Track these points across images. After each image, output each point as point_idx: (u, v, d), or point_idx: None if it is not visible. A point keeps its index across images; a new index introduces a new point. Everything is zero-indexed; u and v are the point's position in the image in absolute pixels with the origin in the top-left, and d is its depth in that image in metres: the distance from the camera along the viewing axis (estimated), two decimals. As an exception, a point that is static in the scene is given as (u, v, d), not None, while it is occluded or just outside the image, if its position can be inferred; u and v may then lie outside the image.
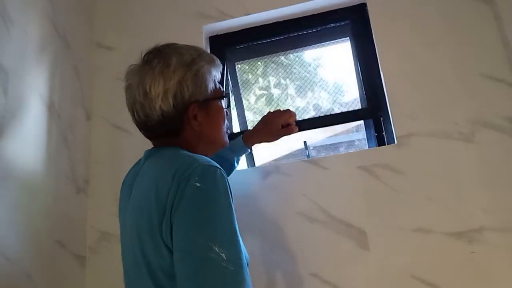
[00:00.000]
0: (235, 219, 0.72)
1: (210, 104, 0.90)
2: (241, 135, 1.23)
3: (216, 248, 0.66)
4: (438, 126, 1.30)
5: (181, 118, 0.86)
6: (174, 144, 0.87)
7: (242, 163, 1.52)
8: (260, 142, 1.25)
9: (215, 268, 0.66)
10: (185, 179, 0.73)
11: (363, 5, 1.50)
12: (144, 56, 0.91)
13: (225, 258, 0.66)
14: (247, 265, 0.82)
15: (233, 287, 0.66)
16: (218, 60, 0.96)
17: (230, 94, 1.65)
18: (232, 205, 0.73)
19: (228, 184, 0.75)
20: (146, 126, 0.88)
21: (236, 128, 1.62)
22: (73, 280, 1.36)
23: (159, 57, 0.88)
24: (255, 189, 1.38)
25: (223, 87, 0.97)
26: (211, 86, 0.90)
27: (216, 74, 0.94)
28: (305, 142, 1.57)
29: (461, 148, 1.27)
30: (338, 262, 1.25)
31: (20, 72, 1.24)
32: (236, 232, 0.71)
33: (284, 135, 1.24)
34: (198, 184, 0.72)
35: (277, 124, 1.22)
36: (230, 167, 1.24)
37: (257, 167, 1.51)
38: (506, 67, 1.30)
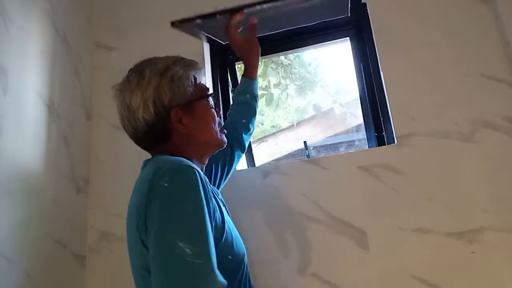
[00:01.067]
0: (206, 215, 0.73)
1: (194, 106, 0.92)
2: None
3: (181, 244, 0.69)
4: (438, 126, 1.30)
5: (165, 124, 0.89)
6: (165, 150, 0.90)
7: (242, 163, 1.52)
8: (248, 58, 1.25)
9: (180, 263, 0.68)
10: (156, 181, 0.76)
11: (363, 5, 1.50)
12: (125, 75, 0.96)
13: (190, 253, 0.68)
14: (243, 259, 0.86)
15: (199, 279, 0.67)
16: (199, 64, 0.98)
17: (231, 94, 1.65)
18: (203, 201, 0.74)
19: (201, 180, 0.76)
20: (137, 139, 0.93)
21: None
22: (73, 280, 1.36)
23: (135, 71, 0.93)
24: (255, 189, 1.38)
25: (210, 89, 0.98)
26: (190, 88, 0.93)
27: (197, 76, 0.96)
28: (305, 142, 1.57)
29: (461, 148, 1.27)
30: (338, 262, 1.25)
31: (20, 72, 1.24)
32: (205, 227, 0.72)
33: (253, 33, 1.24)
34: (166, 184, 0.75)
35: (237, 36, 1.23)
36: (250, 108, 1.23)
37: (257, 167, 1.51)
38: (506, 67, 1.30)
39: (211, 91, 1.00)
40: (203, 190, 0.76)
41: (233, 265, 0.84)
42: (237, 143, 1.19)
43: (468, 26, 1.37)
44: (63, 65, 1.46)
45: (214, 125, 0.96)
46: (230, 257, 0.83)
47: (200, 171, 0.79)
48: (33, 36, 1.32)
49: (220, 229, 0.81)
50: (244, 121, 1.21)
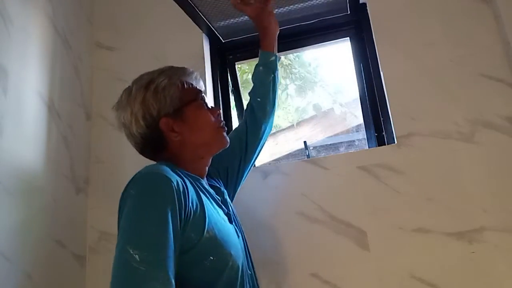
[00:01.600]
0: (165, 223, 0.74)
1: (184, 111, 0.93)
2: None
3: (131, 250, 0.71)
4: (438, 126, 1.30)
5: (158, 135, 0.91)
6: (164, 158, 0.93)
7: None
8: (263, 30, 1.21)
9: (125, 268, 0.71)
10: (127, 188, 0.80)
11: (363, 5, 1.50)
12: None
13: (138, 259, 0.70)
14: (232, 264, 0.84)
15: (136, 286, 0.69)
16: (188, 69, 0.99)
17: (231, 94, 1.65)
18: (164, 209, 0.75)
19: (168, 188, 0.77)
20: (140, 151, 0.97)
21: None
22: (73, 280, 1.36)
23: (125, 89, 0.97)
24: (255, 189, 1.37)
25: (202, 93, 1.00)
26: (177, 95, 0.93)
27: (184, 81, 0.96)
28: (305, 142, 1.57)
29: (461, 148, 1.27)
30: (338, 262, 1.25)
31: (20, 72, 1.24)
32: (161, 235, 0.73)
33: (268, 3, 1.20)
34: (132, 192, 0.78)
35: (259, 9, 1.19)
36: (264, 83, 1.18)
37: (257, 167, 1.51)
38: (506, 67, 1.30)
39: (202, 92, 0.99)
40: (168, 197, 0.76)
41: (216, 267, 0.83)
42: (251, 122, 1.17)
43: (468, 26, 1.37)
44: (63, 65, 1.46)
45: (209, 127, 0.95)
46: (212, 258, 0.82)
47: (172, 179, 0.78)
48: (33, 36, 1.32)
49: (199, 230, 0.80)
50: (259, 99, 1.17)
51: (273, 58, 1.19)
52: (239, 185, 1.15)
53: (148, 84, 0.93)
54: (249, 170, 1.17)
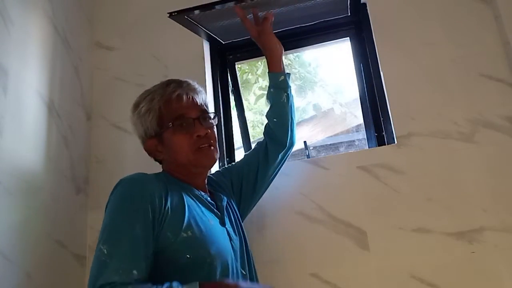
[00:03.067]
0: (135, 220, 0.84)
1: (162, 135, 1.00)
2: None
3: (101, 246, 0.81)
4: (438, 126, 1.30)
5: (150, 152, 1.03)
6: (163, 168, 1.05)
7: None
8: (267, 52, 1.22)
9: (97, 261, 0.80)
10: (110, 194, 0.92)
11: (363, 5, 1.50)
12: None
13: (105, 253, 0.80)
14: (210, 262, 0.88)
15: (98, 273, 0.78)
16: (169, 88, 1.01)
17: (231, 94, 1.65)
18: (134, 209, 0.85)
19: (139, 190, 0.88)
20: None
21: (235, 129, 1.62)
22: (73, 280, 1.36)
23: None
24: (255, 189, 1.37)
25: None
26: (154, 121, 1.00)
27: (164, 103, 0.99)
28: (305, 142, 1.57)
29: (461, 148, 1.27)
30: (338, 262, 1.25)
31: (20, 72, 1.24)
32: (126, 231, 0.83)
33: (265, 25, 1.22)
34: (111, 197, 0.91)
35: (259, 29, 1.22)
36: (276, 102, 1.20)
37: (257, 167, 1.51)
38: (506, 67, 1.30)
39: (184, 110, 1.01)
40: (140, 200, 0.86)
41: (192, 264, 0.87)
42: (271, 140, 1.19)
43: (468, 26, 1.37)
44: (63, 65, 1.46)
45: (186, 151, 0.98)
46: (188, 256, 0.86)
47: (147, 185, 0.89)
48: (33, 36, 1.32)
49: (176, 230, 0.87)
50: (275, 119, 1.19)
51: (282, 77, 1.20)
52: (257, 196, 1.21)
53: (135, 107, 1.03)
54: (268, 184, 1.23)
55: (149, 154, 1.04)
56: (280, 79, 1.19)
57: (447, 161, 1.27)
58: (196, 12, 1.22)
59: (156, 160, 1.06)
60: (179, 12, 1.22)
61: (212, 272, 0.88)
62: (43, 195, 1.27)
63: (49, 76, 1.37)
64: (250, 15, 1.24)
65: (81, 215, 1.45)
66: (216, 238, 0.93)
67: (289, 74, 1.23)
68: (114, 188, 0.91)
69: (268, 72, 1.22)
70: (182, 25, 1.32)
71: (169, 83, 1.03)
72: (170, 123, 0.98)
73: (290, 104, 1.20)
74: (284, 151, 1.20)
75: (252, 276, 1.03)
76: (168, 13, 1.22)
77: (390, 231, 1.24)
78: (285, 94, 1.19)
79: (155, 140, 1.00)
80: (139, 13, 1.69)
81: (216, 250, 0.90)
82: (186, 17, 1.25)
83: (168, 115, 0.99)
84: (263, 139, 1.21)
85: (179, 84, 1.02)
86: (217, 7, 1.17)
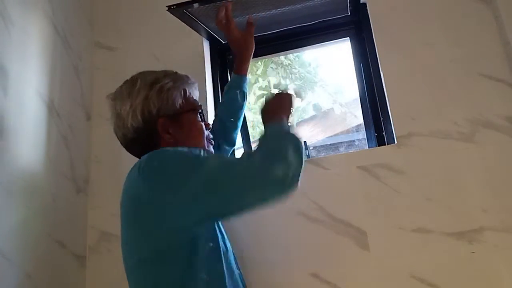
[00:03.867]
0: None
1: (182, 118, 0.97)
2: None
3: (212, 182, 0.82)
4: (438, 126, 1.30)
5: (152, 133, 0.94)
6: None
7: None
8: (243, 55, 1.26)
9: (228, 184, 0.81)
10: (144, 164, 0.89)
11: (363, 5, 1.50)
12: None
13: (222, 176, 0.81)
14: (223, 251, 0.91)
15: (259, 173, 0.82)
16: (191, 79, 1.03)
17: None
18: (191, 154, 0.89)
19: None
20: (127, 145, 0.99)
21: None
22: (73, 280, 1.36)
23: (127, 82, 0.99)
24: (255, 189, 1.37)
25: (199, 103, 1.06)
26: (179, 101, 0.98)
27: (187, 89, 1.01)
28: (305, 142, 1.57)
29: (461, 148, 1.27)
30: (338, 262, 1.25)
31: (20, 72, 1.24)
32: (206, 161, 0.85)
33: (250, 31, 1.26)
34: (155, 163, 0.88)
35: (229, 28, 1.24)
36: (239, 105, 1.26)
37: (257, 167, 1.51)
38: (506, 67, 1.30)
39: (197, 105, 1.05)
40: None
41: (214, 254, 0.89)
42: (225, 141, 1.26)
43: (468, 26, 1.37)
44: (63, 65, 1.46)
45: (202, 138, 1.01)
46: (211, 245, 0.88)
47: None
48: (33, 36, 1.32)
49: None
50: (232, 119, 1.26)
51: (246, 81, 1.27)
52: None
53: (153, 82, 0.96)
54: None
55: (147, 135, 0.94)
56: (245, 83, 1.26)
57: (447, 161, 1.27)
58: (195, 5, 1.21)
59: (144, 143, 0.95)
60: (178, 5, 1.22)
61: (230, 262, 0.92)
62: (43, 195, 1.27)
63: (49, 76, 1.37)
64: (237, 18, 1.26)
65: (81, 215, 1.45)
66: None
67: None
68: (149, 159, 0.85)
69: (236, 74, 1.26)
70: (182, 20, 1.31)
71: (184, 75, 1.04)
72: (195, 108, 1.00)
73: (244, 107, 1.28)
74: (230, 152, 1.28)
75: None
76: (167, 6, 1.22)
77: (390, 231, 1.24)
78: (245, 97, 1.27)
79: (167, 120, 0.95)
80: (139, 13, 1.69)
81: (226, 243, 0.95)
82: (185, 11, 1.24)
83: (192, 99, 1.01)
84: (215, 142, 1.14)
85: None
86: (217, 3, 1.17)
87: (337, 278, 1.23)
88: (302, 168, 0.88)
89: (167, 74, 1.00)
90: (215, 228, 0.92)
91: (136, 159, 0.97)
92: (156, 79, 0.97)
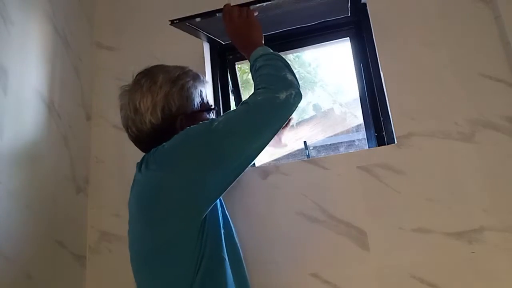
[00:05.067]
0: None
1: (197, 117, 0.98)
2: None
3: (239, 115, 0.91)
4: (438, 126, 1.30)
5: (170, 130, 0.93)
6: None
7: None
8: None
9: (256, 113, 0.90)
10: (160, 150, 0.92)
11: (363, 5, 1.50)
12: (135, 77, 1.00)
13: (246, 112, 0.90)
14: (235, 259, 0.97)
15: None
16: (204, 77, 1.05)
17: (231, 94, 1.65)
18: None
19: None
20: (139, 140, 0.97)
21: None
22: (73, 280, 1.36)
23: (147, 76, 0.97)
24: (255, 189, 1.37)
25: (210, 101, 1.07)
26: (197, 100, 0.99)
27: (202, 89, 1.02)
28: (305, 142, 1.57)
29: (461, 148, 1.27)
30: (338, 262, 1.25)
31: (20, 72, 1.24)
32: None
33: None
34: (165, 146, 0.92)
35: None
36: None
37: (257, 167, 1.51)
38: (506, 67, 1.30)
39: (213, 104, 1.08)
40: None
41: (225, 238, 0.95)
42: None
43: (468, 26, 1.37)
44: (63, 65, 1.46)
45: None
46: (224, 232, 0.94)
47: None
48: (33, 36, 1.32)
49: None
50: None
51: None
52: None
53: (176, 79, 0.97)
54: None
55: (163, 133, 0.93)
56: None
57: (447, 161, 1.27)
58: (198, 19, 1.22)
59: (158, 140, 0.94)
60: (180, 20, 1.22)
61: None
62: (43, 195, 1.27)
63: (49, 76, 1.37)
64: None
65: (81, 215, 1.45)
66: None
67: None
68: (169, 143, 0.89)
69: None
70: (183, 31, 1.32)
71: (198, 73, 1.05)
72: (211, 108, 1.02)
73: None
74: None
75: None
76: (169, 20, 1.22)
77: (390, 231, 1.24)
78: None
79: (184, 118, 0.95)
80: (139, 13, 1.69)
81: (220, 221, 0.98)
82: (187, 24, 1.25)
83: (206, 99, 1.04)
84: None
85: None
86: (218, 14, 1.17)
87: (337, 278, 1.24)
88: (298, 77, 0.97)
89: (185, 71, 1.01)
90: (219, 215, 0.96)
91: (138, 157, 0.97)
92: (178, 76, 0.98)
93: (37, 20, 1.36)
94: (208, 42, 1.58)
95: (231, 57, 1.67)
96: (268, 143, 0.90)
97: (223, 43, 1.56)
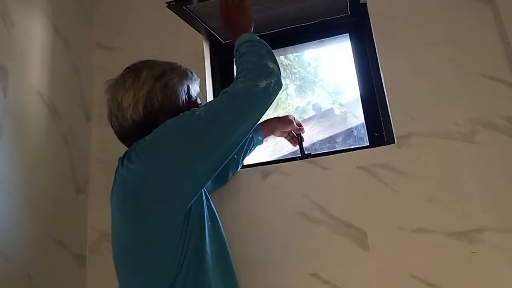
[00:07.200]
0: None
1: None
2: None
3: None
4: (438, 126, 1.30)
5: (152, 127, 0.91)
6: None
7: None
8: (270, 133, 1.37)
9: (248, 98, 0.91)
10: (140, 143, 0.94)
11: (363, 5, 1.50)
12: (122, 72, 1.00)
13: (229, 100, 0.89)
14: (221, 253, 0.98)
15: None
16: (195, 74, 1.03)
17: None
18: None
19: None
20: (121, 136, 0.98)
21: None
22: (73, 280, 1.36)
23: (132, 71, 0.97)
24: (255, 189, 1.37)
25: (201, 100, 1.07)
26: (183, 97, 0.97)
27: (190, 86, 1.00)
28: (301, 140, 1.57)
29: (461, 148, 1.27)
30: (338, 262, 1.25)
31: (20, 72, 1.24)
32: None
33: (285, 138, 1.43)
34: (147, 138, 0.92)
35: (287, 128, 1.40)
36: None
37: (257, 167, 1.51)
38: (506, 67, 1.30)
39: (201, 102, 1.05)
40: None
41: (212, 233, 0.96)
42: (234, 165, 1.32)
43: (468, 26, 1.37)
44: (63, 65, 1.46)
45: None
46: (209, 224, 0.95)
47: None
48: (33, 36, 1.32)
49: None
50: (236, 156, 1.31)
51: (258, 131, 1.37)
52: None
53: (160, 76, 0.95)
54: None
55: (145, 129, 0.92)
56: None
57: (447, 161, 1.27)
58: (195, 2, 1.21)
59: (139, 135, 0.93)
60: (177, 2, 1.21)
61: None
62: (43, 195, 1.27)
63: (49, 76, 1.37)
64: None
65: (81, 215, 1.45)
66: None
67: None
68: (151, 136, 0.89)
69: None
70: (181, 18, 1.31)
71: (188, 70, 1.04)
72: (198, 105, 1.01)
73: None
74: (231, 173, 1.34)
75: None
76: (166, 2, 1.22)
77: (390, 231, 1.24)
78: (252, 143, 1.36)
79: (168, 115, 0.93)
80: (139, 13, 1.69)
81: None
82: (184, 8, 1.24)
83: (194, 97, 1.02)
84: None
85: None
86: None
87: (337, 278, 1.23)
88: (279, 64, 0.97)
89: (173, 68, 1.00)
90: (204, 207, 0.97)
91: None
92: (163, 72, 0.96)
93: (37, 20, 1.36)
94: (207, 38, 1.57)
95: (231, 57, 1.66)
96: (250, 131, 0.90)
97: (223, 42, 1.56)
